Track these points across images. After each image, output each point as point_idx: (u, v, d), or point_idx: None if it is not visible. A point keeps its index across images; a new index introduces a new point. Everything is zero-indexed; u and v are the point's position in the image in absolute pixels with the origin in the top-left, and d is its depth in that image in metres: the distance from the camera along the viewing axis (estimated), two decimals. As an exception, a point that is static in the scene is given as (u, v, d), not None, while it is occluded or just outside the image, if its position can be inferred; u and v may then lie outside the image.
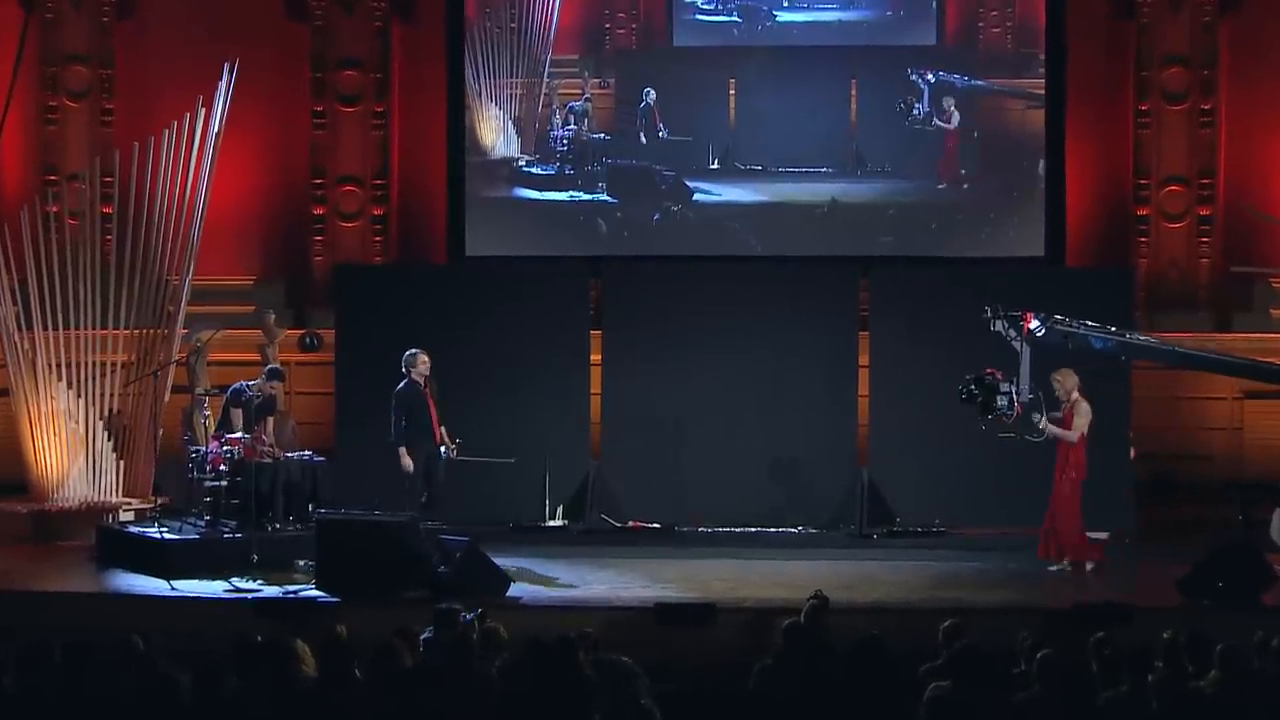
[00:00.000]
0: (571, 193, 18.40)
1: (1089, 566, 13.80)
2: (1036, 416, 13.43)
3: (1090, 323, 13.58)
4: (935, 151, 18.07)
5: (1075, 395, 13.83)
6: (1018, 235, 17.80)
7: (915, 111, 17.93)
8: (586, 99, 18.45)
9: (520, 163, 18.47)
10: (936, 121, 17.93)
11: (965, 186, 18.02)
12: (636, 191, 18.35)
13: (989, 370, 13.15)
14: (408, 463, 14.20)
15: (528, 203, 18.34)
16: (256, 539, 13.78)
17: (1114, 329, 13.60)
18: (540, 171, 18.43)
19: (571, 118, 18.42)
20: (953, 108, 18.05)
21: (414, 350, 14.52)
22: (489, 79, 18.34)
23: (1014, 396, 13.11)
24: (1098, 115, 17.85)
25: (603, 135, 18.42)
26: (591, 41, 18.50)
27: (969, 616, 10.53)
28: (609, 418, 16.36)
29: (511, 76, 18.43)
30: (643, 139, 18.28)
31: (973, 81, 18.08)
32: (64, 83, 18.14)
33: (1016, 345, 13.18)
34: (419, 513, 13.74)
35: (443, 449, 14.38)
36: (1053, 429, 13.68)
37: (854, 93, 18.12)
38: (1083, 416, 13.77)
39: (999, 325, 13.23)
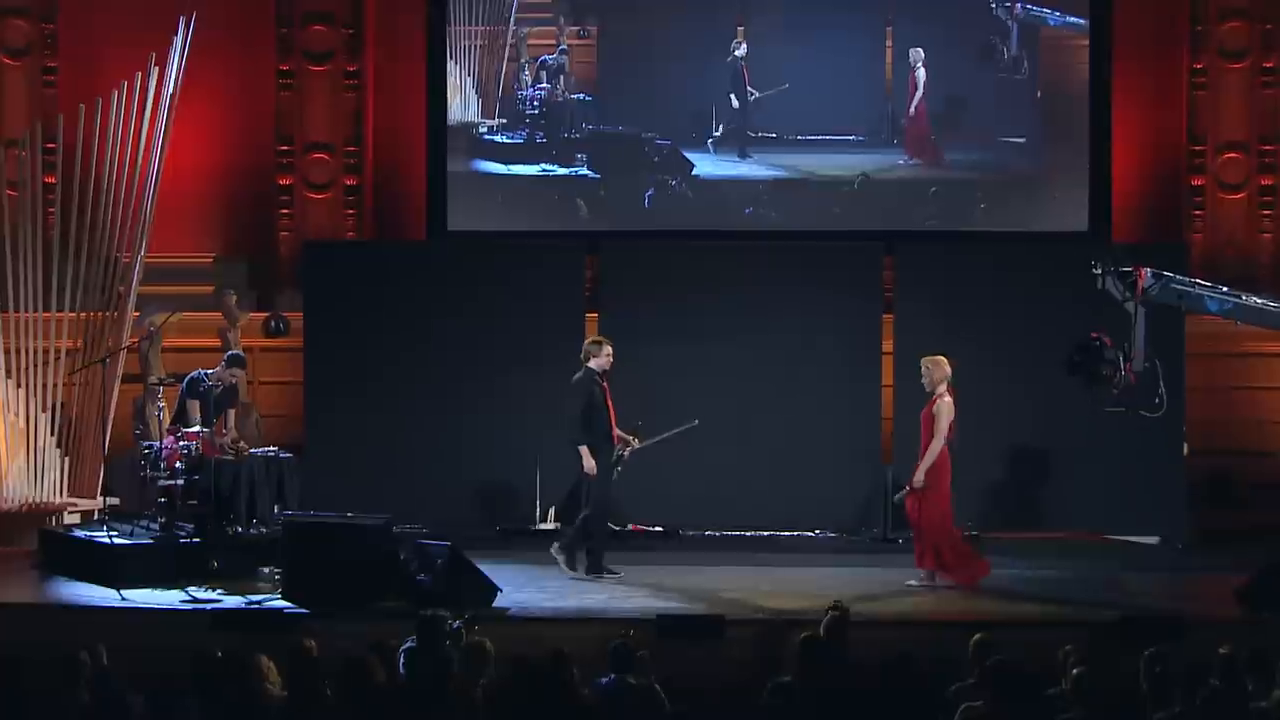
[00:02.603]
0: (544, 165, 17.87)
1: (945, 583, 13.52)
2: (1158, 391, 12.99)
3: (1203, 281, 13.43)
4: (1009, 107, 17.54)
5: (942, 389, 13.57)
6: (1064, 207, 17.64)
7: (1000, 54, 17.59)
8: (562, 51, 17.86)
9: (481, 129, 17.88)
10: (1018, 69, 17.22)
11: (1023, 153, 17.65)
12: (624, 164, 17.80)
13: (1094, 334, 12.85)
14: (591, 464, 13.64)
15: (491, 178, 17.88)
16: (216, 544, 13.76)
17: (1225, 289, 13.41)
18: (505, 140, 17.85)
19: (544, 74, 17.77)
20: (920, 65, 17.59)
21: (597, 338, 13.99)
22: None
23: (1121, 364, 12.77)
24: (1148, 75, 17.82)
25: (582, 96, 17.86)
26: (569, -18, 17.96)
27: (1006, 630, 10.55)
28: (606, 410, 16.36)
29: (470, 24, 17.82)
30: (733, 102, 17.68)
31: (1066, 19, 17.52)
32: (1, 39, 18.10)
33: (1129, 307, 12.94)
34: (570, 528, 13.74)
35: (625, 451, 13.88)
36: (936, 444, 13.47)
37: (889, 43, 17.73)
38: (945, 415, 13.47)
39: (1109, 283, 13.01)
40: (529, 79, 17.89)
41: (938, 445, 13.45)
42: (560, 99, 17.89)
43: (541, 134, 17.91)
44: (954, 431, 13.55)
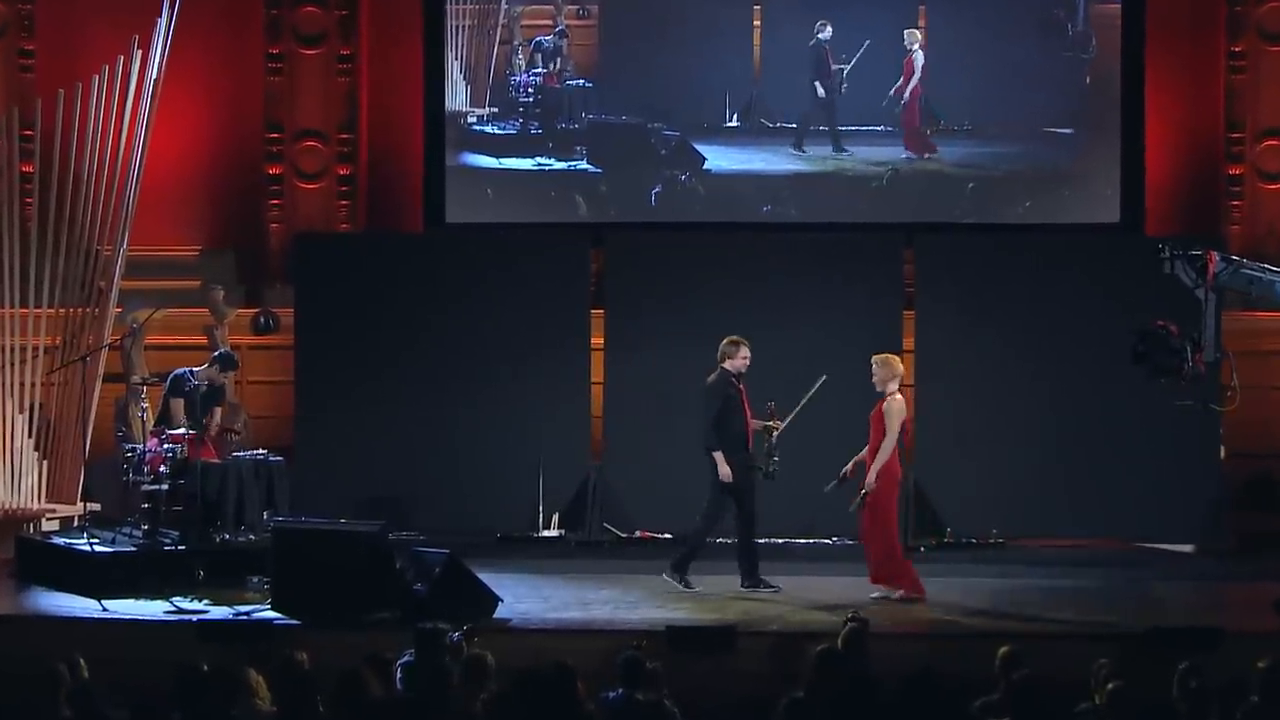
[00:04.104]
0: (539, 159, 17.52)
1: (897, 594, 13.41)
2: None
3: (1271, 267, 13.34)
4: (1062, 91, 17.16)
5: (893, 388, 13.41)
6: (1095, 198, 17.49)
7: (1065, 30, 17.24)
8: (559, 32, 17.52)
9: (470, 119, 17.54)
10: (1090, 41, 16.73)
11: (1068, 143, 17.30)
12: (628, 157, 17.46)
13: (1159, 322, 12.77)
14: (726, 471, 13.56)
15: (481, 173, 17.58)
16: (202, 552, 13.77)
17: None
18: (497, 131, 17.50)
19: (539, 58, 17.42)
20: (916, 48, 17.19)
21: (735, 339, 13.78)
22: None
23: (1189, 354, 12.66)
24: (1182, 58, 17.77)
25: (582, 82, 17.51)
26: (566, -44, 17.56)
27: (1032, 642, 10.55)
28: (612, 411, 16.37)
29: (458, 2, 17.44)
30: (818, 90, 17.25)
31: None
32: (-24, 21, 18.14)
33: (1200, 293, 12.87)
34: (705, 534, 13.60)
35: (773, 437, 13.63)
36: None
37: (923, 24, 17.47)
38: (896, 416, 13.32)
39: (1177, 268, 12.94)
40: (522, 63, 17.54)
41: (889, 445, 13.30)
42: (557, 85, 17.52)
43: (537, 124, 17.55)
44: (907, 433, 13.47)
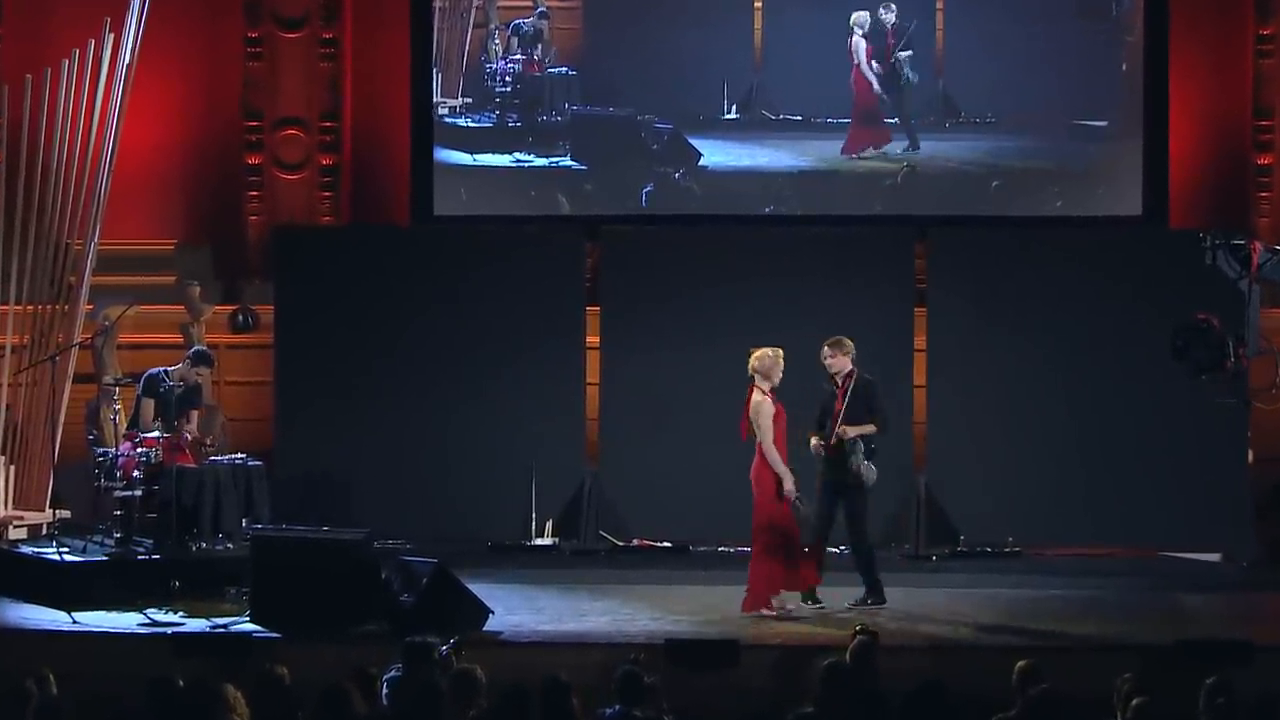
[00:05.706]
0: (518, 155, 17.26)
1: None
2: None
3: None
4: (1095, 79, 16.98)
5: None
6: (1117, 190, 17.43)
7: (1109, 10, 17.09)
8: (540, 15, 17.26)
9: (441, 110, 17.27)
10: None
11: (1100, 133, 17.18)
12: (615, 153, 17.23)
13: (1201, 315, 12.73)
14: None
15: (454, 170, 17.32)
16: (178, 561, 13.76)
17: None
18: (471, 124, 17.24)
19: (517, 43, 17.15)
20: (859, 33, 16.79)
21: (837, 339, 13.55)
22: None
23: (1231, 348, 12.62)
24: (1208, 42, 17.78)
25: (565, 70, 17.25)
26: (549, -68, 17.27)
27: (1050, 656, 10.55)
28: (608, 413, 16.36)
29: None
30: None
31: None
32: (-61, 4, 18.14)
33: (1243, 285, 12.84)
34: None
35: (833, 439, 13.43)
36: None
37: (940, 6, 17.31)
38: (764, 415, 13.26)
39: (1219, 259, 12.90)
40: (499, 49, 17.24)
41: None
42: (538, 73, 17.25)
43: (515, 116, 17.30)
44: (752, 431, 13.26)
